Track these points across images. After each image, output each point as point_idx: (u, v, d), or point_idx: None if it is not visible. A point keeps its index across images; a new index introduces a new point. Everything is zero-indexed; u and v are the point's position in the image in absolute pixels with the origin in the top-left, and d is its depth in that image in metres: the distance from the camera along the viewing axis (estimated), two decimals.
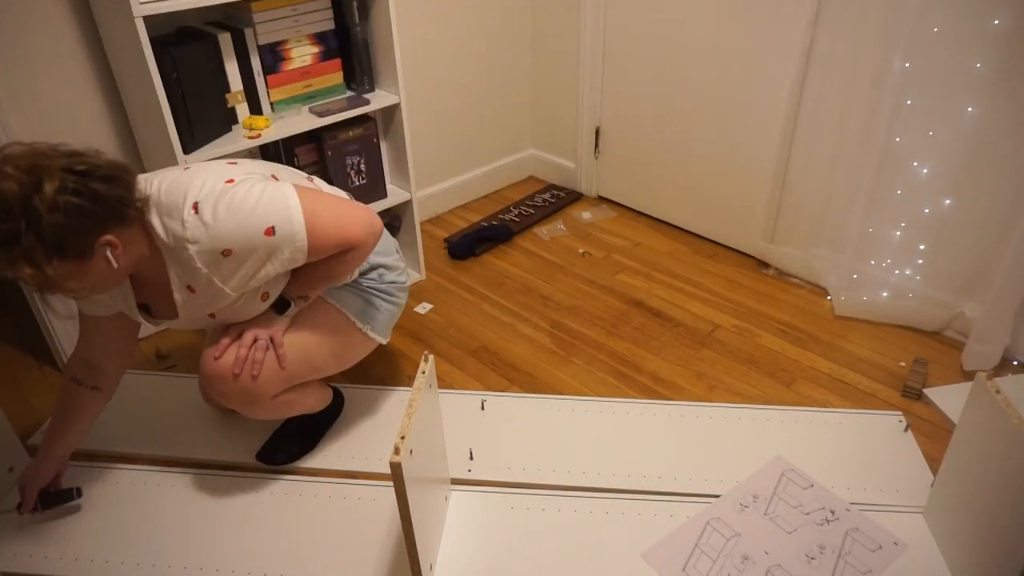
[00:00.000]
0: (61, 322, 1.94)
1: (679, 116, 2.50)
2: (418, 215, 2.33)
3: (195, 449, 1.75)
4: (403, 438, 1.16)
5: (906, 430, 1.75)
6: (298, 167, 2.08)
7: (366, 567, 1.46)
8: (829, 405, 1.85)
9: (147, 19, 1.59)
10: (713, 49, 2.30)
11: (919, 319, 2.10)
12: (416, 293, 2.36)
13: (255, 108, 1.96)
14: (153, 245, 1.29)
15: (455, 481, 1.65)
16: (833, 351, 2.05)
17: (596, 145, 2.84)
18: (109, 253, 1.20)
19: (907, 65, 1.86)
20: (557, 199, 2.91)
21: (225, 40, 1.83)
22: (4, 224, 1.07)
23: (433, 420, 1.42)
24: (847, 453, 1.69)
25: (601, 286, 2.38)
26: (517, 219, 2.75)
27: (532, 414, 1.84)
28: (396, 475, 1.14)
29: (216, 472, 1.69)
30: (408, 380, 1.98)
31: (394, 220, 2.41)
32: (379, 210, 2.23)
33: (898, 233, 2.08)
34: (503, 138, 2.97)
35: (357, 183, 2.16)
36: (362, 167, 2.15)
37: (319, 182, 1.59)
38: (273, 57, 1.93)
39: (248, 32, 1.86)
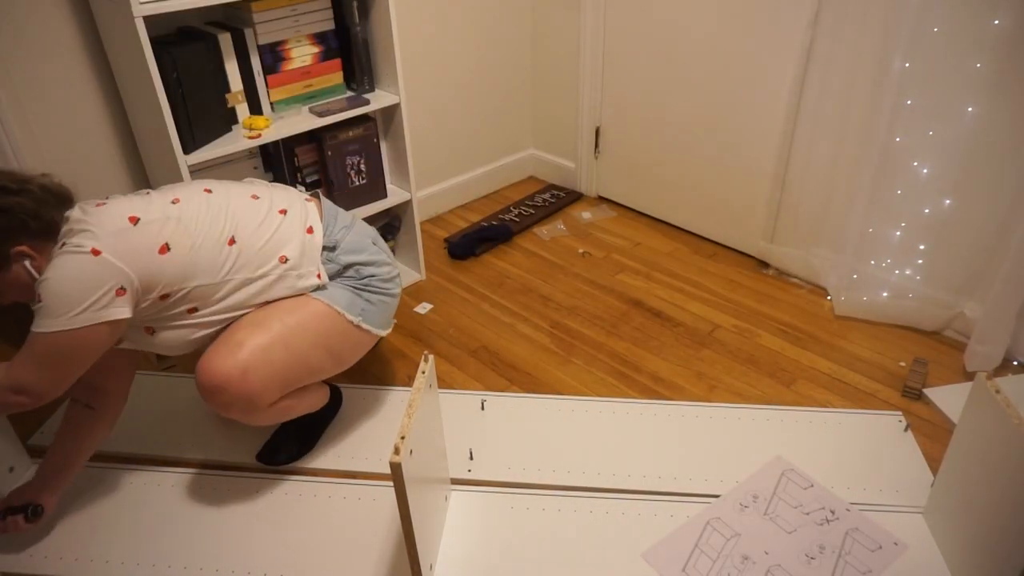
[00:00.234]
0: None
1: (679, 116, 2.50)
2: (418, 215, 2.33)
3: (195, 449, 1.75)
4: (403, 438, 1.16)
5: (906, 430, 1.75)
6: (298, 167, 2.08)
7: (366, 567, 1.46)
8: (829, 405, 1.85)
9: (147, 19, 1.58)
10: (713, 49, 2.30)
11: (919, 319, 2.10)
12: (416, 293, 2.36)
13: (255, 108, 1.96)
14: None
15: (455, 481, 1.65)
16: (833, 351, 2.05)
17: (596, 145, 2.84)
18: (28, 264, 1.28)
19: (907, 65, 1.86)
20: (557, 199, 2.91)
21: (225, 40, 1.83)
22: None
23: (433, 420, 1.42)
24: (847, 453, 1.69)
25: (601, 286, 2.38)
26: (517, 219, 2.75)
27: (532, 414, 1.84)
28: (396, 475, 1.14)
29: (216, 472, 1.69)
30: (408, 380, 1.98)
31: (394, 220, 2.42)
32: (379, 210, 2.23)
33: (898, 233, 2.08)
34: (503, 138, 2.97)
35: (357, 183, 2.16)
36: (362, 167, 2.15)
37: (217, 188, 1.52)
38: (273, 57, 1.93)
39: (248, 32, 1.86)
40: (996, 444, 1.27)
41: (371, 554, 1.48)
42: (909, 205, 2.02)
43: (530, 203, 2.88)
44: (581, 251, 2.58)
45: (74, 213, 1.34)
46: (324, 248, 1.54)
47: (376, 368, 2.02)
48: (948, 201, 1.96)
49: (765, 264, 2.44)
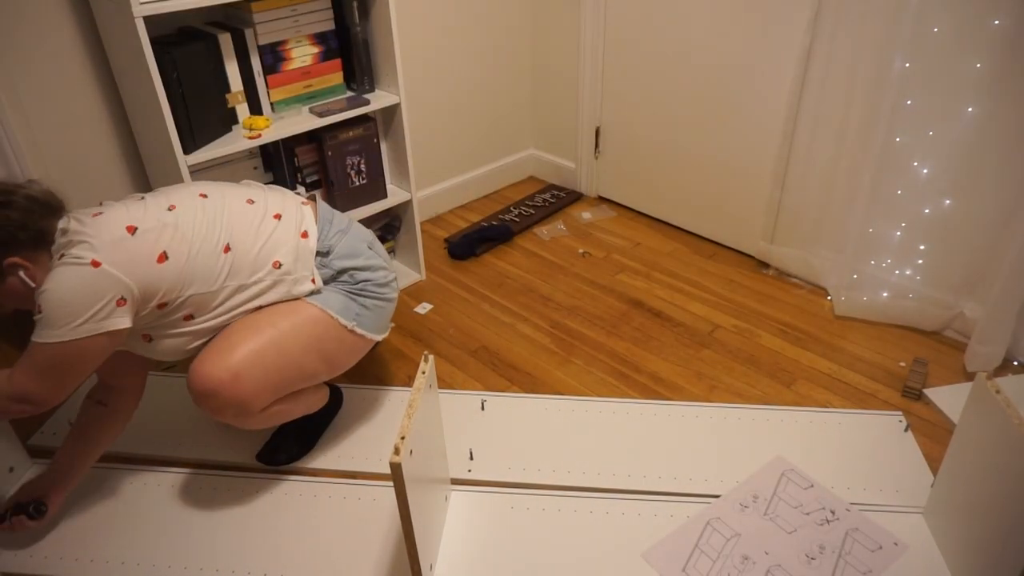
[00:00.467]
0: None
1: (679, 116, 2.50)
2: (418, 215, 2.33)
3: (195, 449, 1.75)
4: (403, 438, 1.16)
5: (906, 430, 1.75)
6: (298, 167, 2.08)
7: (366, 567, 1.46)
8: (829, 405, 1.85)
9: (147, 19, 1.58)
10: (713, 49, 2.30)
11: (919, 319, 2.10)
12: (416, 293, 2.36)
13: (255, 108, 1.96)
14: None
15: (455, 481, 1.65)
16: (833, 351, 2.05)
17: (596, 145, 2.84)
18: (23, 274, 1.29)
19: (907, 65, 1.86)
20: (557, 199, 2.91)
21: (225, 40, 1.83)
22: None
23: (433, 420, 1.42)
24: (847, 453, 1.69)
25: (601, 286, 2.38)
26: (517, 219, 2.75)
27: (532, 414, 1.84)
28: (396, 475, 1.14)
29: (216, 472, 1.69)
30: (408, 380, 1.98)
31: (394, 220, 2.42)
32: (379, 210, 2.23)
33: (898, 233, 2.08)
34: (503, 138, 2.97)
35: (357, 183, 2.16)
36: (362, 167, 2.15)
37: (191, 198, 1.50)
38: (273, 57, 1.93)
39: (248, 32, 1.86)
40: (996, 444, 1.27)
41: (371, 554, 1.48)
42: (909, 205, 2.02)
43: (530, 203, 2.88)
44: (581, 251, 2.58)
45: (71, 224, 1.34)
46: (317, 253, 1.53)
47: (376, 368, 2.02)
48: (948, 201, 1.96)
49: (765, 264, 2.44)
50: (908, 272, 2.12)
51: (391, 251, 2.48)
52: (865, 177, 2.03)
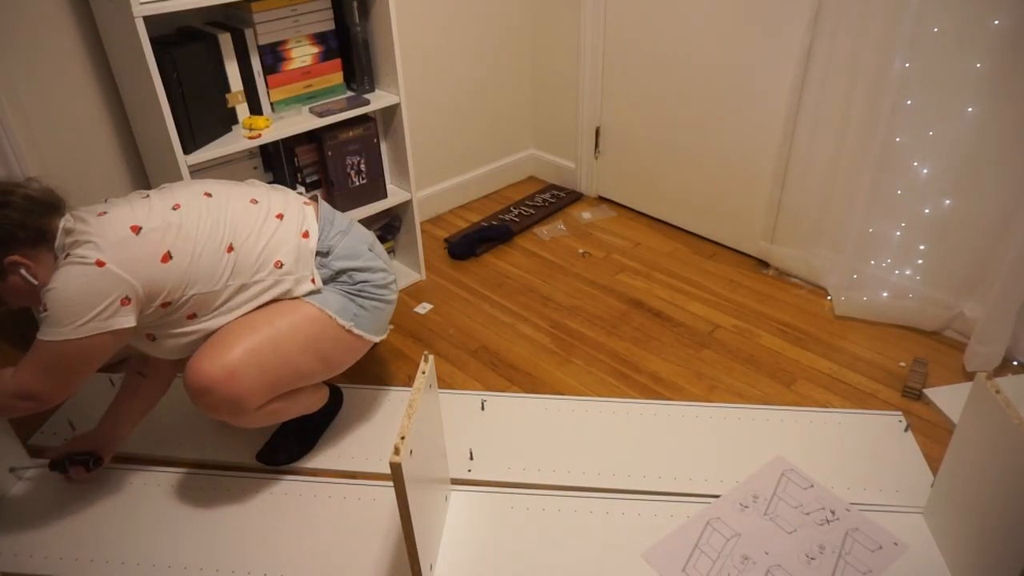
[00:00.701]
0: None
1: (679, 116, 2.50)
2: (418, 215, 2.33)
3: (195, 449, 1.75)
4: (403, 438, 1.16)
5: (906, 430, 1.75)
6: (298, 167, 2.08)
7: (366, 567, 1.46)
8: (829, 405, 1.85)
9: (147, 19, 1.58)
10: (713, 49, 2.30)
11: (919, 319, 2.10)
12: (416, 293, 2.36)
13: (255, 108, 1.96)
14: None
15: (455, 481, 1.65)
16: (833, 351, 2.05)
17: (596, 145, 2.84)
18: (24, 272, 1.31)
19: (907, 65, 1.86)
20: (557, 199, 2.91)
21: (225, 40, 1.83)
22: None
23: (433, 420, 1.42)
24: (847, 453, 1.69)
25: (601, 286, 2.38)
26: (517, 219, 2.75)
27: (532, 414, 1.84)
28: (396, 475, 1.14)
29: (216, 472, 1.69)
30: (408, 380, 1.98)
31: (394, 220, 2.42)
32: (379, 210, 2.23)
33: (898, 233, 2.08)
34: (503, 138, 2.97)
35: (357, 183, 2.16)
36: (362, 167, 2.15)
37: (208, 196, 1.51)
38: (273, 57, 1.93)
39: (248, 32, 1.86)
40: (996, 444, 1.27)
41: (371, 554, 1.48)
42: (909, 205, 2.02)
43: (530, 203, 2.88)
44: (581, 251, 2.58)
45: (76, 224, 1.34)
46: (317, 253, 1.54)
47: (376, 368, 2.02)
48: (948, 201, 1.96)
49: (765, 264, 2.44)
50: (908, 272, 2.12)
51: (391, 251, 2.48)
52: (865, 177, 2.03)
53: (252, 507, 1.60)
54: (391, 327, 1.73)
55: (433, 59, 2.57)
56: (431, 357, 1.37)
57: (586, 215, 2.81)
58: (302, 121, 1.96)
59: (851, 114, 2.02)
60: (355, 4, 1.97)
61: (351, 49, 2.05)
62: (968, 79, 1.80)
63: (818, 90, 2.07)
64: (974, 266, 1.98)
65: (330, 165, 2.09)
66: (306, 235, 1.53)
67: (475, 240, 2.58)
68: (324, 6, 1.97)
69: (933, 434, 1.75)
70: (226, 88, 1.88)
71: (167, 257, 1.36)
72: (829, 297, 2.27)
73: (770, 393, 1.90)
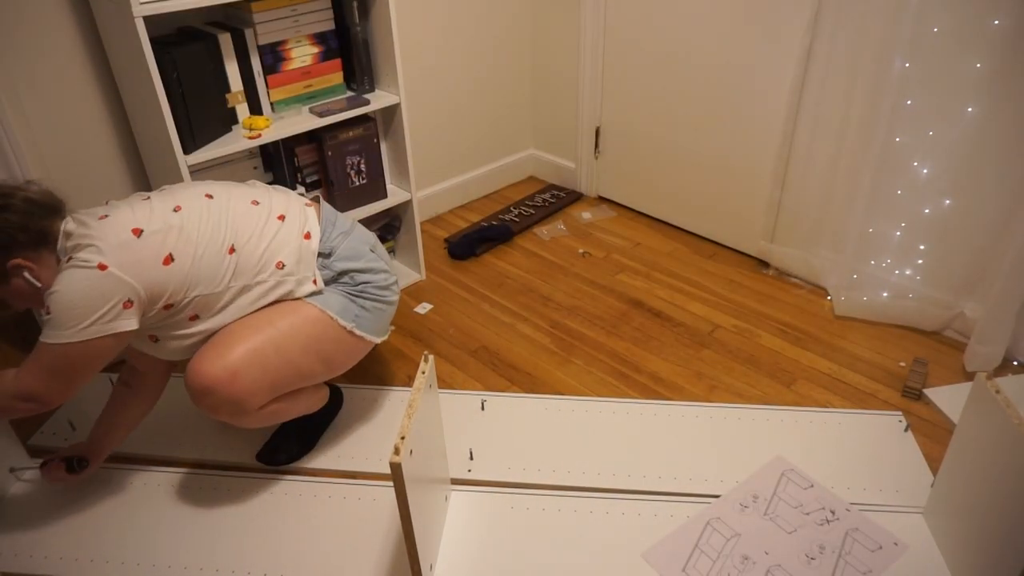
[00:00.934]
0: None
1: (679, 116, 2.50)
2: (418, 215, 2.33)
3: (195, 449, 1.75)
4: (403, 438, 1.16)
5: (906, 430, 1.75)
6: (298, 167, 2.08)
7: (366, 567, 1.46)
8: (829, 405, 1.85)
9: (147, 19, 1.59)
10: (713, 49, 2.30)
11: (919, 319, 2.10)
12: (416, 293, 2.36)
13: (255, 108, 1.96)
14: None
15: (455, 481, 1.65)
16: (833, 351, 2.05)
17: (596, 145, 2.84)
18: (27, 275, 1.32)
19: (907, 65, 1.86)
20: (557, 199, 2.91)
21: (225, 40, 1.83)
22: None
23: (433, 420, 1.42)
24: (847, 453, 1.69)
25: (601, 286, 2.38)
26: (517, 219, 2.75)
27: (532, 414, 1.84)
28: (396, 475, 1.14)
29: (216, 472, 1.69)
30: (408, 380, 1.98)
31: (394, 220, 2.42)
32: (379, 210, 2.23)
33: (898, 233, 2.08)
34: (503, 138, 2.97)
35: (357, 183, 2.16)
36: (362, 167, 2.15)
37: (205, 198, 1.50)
38: (273, 57, 1.93)
39: (248, 32, 1.86)
40: (996, 444, 1.27)
41: (371, 554, 1.48)
42: (909, 205, 2.02)
43: (530, 203, 2.88)
44: (581, 251, 2.58)
45: (78, 227, 1.35)
46: (319, 254, 1.54)
47: (376, 368, 2.02)
48: (948, 201, 1.96)
49: (765, 264, 2.44)
50: (908, 272, 2.12)
51: (391, 251, 2.48)
52: (865, 177, 2.03)
53: (252, 507, 1.60)
54: (392, 328, 1.73)
55: (433, 59, 2.57)
56: (431, 357, 1.37)
57: (586, 215, 2.81)
58: (302, 121, 1.97)
59: (851, 114, 2.02)
60: (355, 4, 1.97)
61: (351, 49, 2.05)
62: (968, 79, 1.80)
63: (818, 90, 2.07)
64: (974, 266, 1.98)
65: (330, 165, 2.09)
66: (308, 236, 1.53)
67: (475, 240, 2.58)
68: (324, 6, 1.97)
69: (933, 434, 1.75)
70: (226, 88, 1.88)
71: (169, 259, 1.36)
72: (829, 297, 2.27)
73: (770, 393, 1.90)
